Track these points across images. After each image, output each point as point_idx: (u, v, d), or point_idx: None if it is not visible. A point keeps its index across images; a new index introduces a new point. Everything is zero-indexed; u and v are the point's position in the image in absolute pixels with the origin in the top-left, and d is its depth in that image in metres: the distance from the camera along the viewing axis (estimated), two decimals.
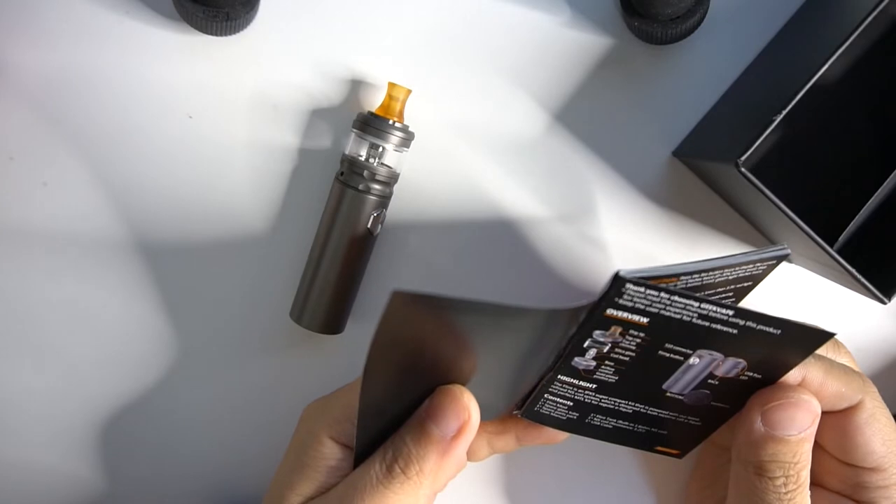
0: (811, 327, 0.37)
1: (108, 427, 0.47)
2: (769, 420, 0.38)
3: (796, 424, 0.38)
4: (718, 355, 0.38)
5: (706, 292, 0.39)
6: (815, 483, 0.41)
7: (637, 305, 0.35)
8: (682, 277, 0.37)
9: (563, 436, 0.43)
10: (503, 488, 0.49)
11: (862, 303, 0.47)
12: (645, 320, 0.36)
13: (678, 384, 0.39)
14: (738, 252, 0.40)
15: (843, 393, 0.39)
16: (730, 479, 0.40)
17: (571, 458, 0.48)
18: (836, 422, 0.40)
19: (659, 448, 0.43)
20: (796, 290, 0.48)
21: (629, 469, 0.49)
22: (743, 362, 0.38)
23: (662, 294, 0.35)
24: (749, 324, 0.36)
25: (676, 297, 0.35)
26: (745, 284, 0.41)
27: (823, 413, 0.39)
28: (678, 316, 0.36)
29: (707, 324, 0.36)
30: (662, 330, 0.36)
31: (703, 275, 0.37)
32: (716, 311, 0.35)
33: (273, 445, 0.45)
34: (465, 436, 0.38)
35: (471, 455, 0.44)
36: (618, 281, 0.34)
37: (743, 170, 0.37)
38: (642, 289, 0.35)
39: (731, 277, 0.39)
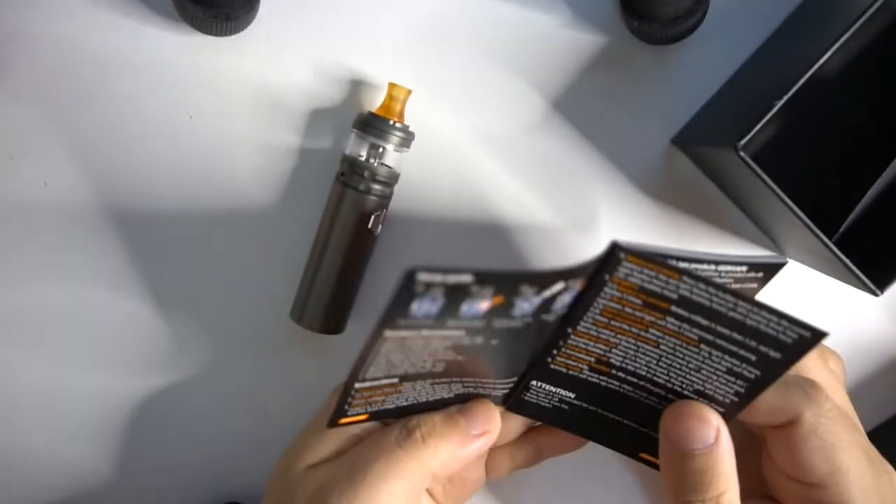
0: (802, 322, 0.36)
1: (107, 425, 0.47)
2: (672, 437, 0.37)
3: (697, 438, 0.37)
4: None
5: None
6: (770, 497, 0.40)
7: (632, 280, 0.35)
8: (681, 263, 0.36)
9: (580, 443, 0.43)
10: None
11: (856, 298, 0.47)
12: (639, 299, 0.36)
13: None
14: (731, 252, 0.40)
15: (780, 407, 0.37)
16: None
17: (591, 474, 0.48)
18: (779, 436, 0.38)
19: (643, 455, 0.42)
20: (791, 285, 0.48)
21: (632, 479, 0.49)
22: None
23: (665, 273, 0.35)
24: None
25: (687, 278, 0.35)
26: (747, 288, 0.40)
27: (769, 427, 0.38)
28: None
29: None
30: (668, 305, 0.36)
31: (695, 265, 0.37)
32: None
33: (273, 445, 0.45)
34: (485, 438, 0.40)
35: (492, 471, 0.44)
36: (615, 251, 0.34)
37: (742, 153, 0.37)
38: (640, 267, 0.34)
39: (725, 282, 0.38)
